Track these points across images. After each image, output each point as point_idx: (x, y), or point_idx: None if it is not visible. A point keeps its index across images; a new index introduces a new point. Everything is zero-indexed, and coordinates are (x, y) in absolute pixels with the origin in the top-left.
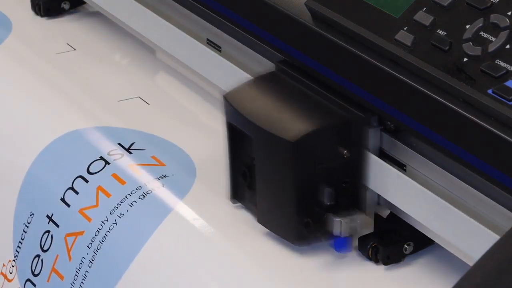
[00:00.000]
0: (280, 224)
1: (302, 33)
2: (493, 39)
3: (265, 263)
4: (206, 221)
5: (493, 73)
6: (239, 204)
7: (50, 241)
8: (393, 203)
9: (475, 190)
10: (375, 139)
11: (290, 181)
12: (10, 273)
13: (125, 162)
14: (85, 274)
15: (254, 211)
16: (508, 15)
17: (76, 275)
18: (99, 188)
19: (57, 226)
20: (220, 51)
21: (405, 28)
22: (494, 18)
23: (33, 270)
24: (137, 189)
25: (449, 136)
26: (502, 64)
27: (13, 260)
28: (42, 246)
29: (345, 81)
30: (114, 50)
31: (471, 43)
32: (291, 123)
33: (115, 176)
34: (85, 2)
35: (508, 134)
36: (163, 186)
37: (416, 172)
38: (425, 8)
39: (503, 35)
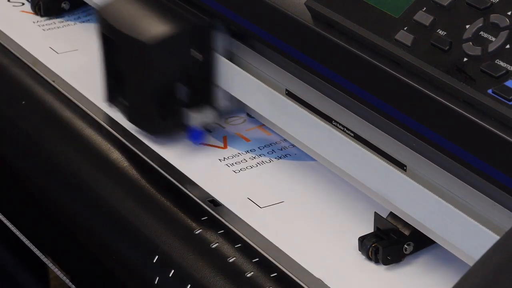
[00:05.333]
0: (144, 119)
1: (302, 33)
2: (493, 39)
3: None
4: None
5: (493, 73)
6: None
7: None
8: (393, 203)
9: (475, 190)
10: (224, 43)
11: (149, 80)
12: None
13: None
14: None
15: (124, 112)
16: (508, 15)
17: None
18: None
19: None
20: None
21: (405, 28)
22: (494, 18)
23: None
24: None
25: (449, 136)
26: (502, 64)
27: None
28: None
29: None
30: None
31: (471, 43)
32: (150, 29)
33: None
34: (85, 2)
35: (508, 134)
36: None
37: (416, 172)
38: (425, 8)
39: (503, 35)
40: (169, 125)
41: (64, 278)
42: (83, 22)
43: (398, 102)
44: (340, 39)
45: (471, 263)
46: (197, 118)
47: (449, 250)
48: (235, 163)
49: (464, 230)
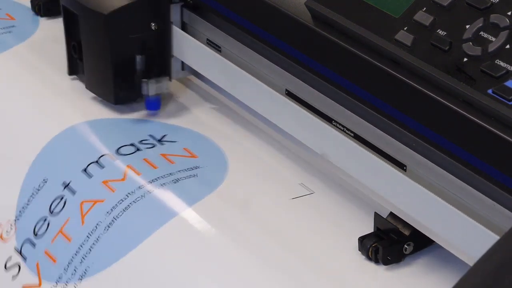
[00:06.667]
0: (101, 88)
1: (302, 33)
2: (493, 39)
3: (275, 266)
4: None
5: (493, 73)
6: (75, 76)
7: (62, 206)
8: (393, 203)
9: (475, 190)
10: (177, 13)
11: (106, 50)
12: (7, 232)
13: (157, 151)
14: (97, 239)
15: (85, 82)
16: (508, 15)
17: (87, 238)
18: (129, 167)
19: (73, 193)
20: (220, 51)
21: (405, 28)
22: (494, 18)
23: (35, 231)
24: (170, 174)
25: (449, 136)
26: (502, 64)
27: (14, 221)
28: (51, 209)
29: None
30: None
31: (471, 43)
32: (106, 0)
33: (146, 160)
34: None
35: (508, 134)
36: (195, 176)
37: (416, 172)
38: (425, 8)
39: (503, 35)
40: (126, 94)
41: None
42: None
43: (398, 102)
44: (340, 39)
45: (471, 263)
46: (153, 87)
47: (449, 250)
48: None
49: (464, 230)
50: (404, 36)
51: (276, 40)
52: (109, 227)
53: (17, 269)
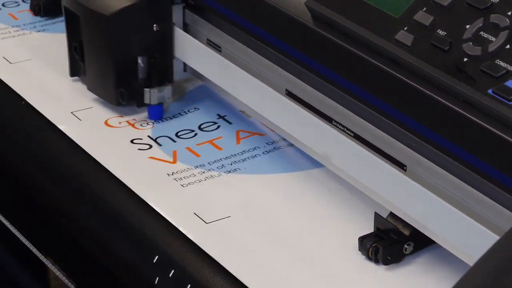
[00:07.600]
0: (103, 89)
1: (302, 33)
2: (493, 39)
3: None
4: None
5: (493, 73)
6: (76, 78)
7: (215, 128)
8: (393, 203)
9: (475, 190)
10: (179, 15)
11: (108, 51)
12: (142, 124)
13: None
14: (252, 156)
15: (87, 84)
16: (508, 15)
17: (241, 153)
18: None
19: (229, 123)
20: (220, 51)
21: (405, 28)
22: (494, 18)
23: (178, 134)
24: None
25: (449, 136)
26: (502, 64)
27: (152, 122)
28: (201, 127)
29: None
30: None
31: (471, 43)
32: (108, 1)
33: None
34: None
35: (508, 134)
36: None
37: (416, 172)
38: (425, 8)
39: (503, 35)
40: (126, 101)
41: (64, 278)
42: (39, 31)
43: (398, 102)
44: (340, 39)
45: (471, 263)
46: (155, 96)
47: (449, 250)
48: (184, 177)
49: (464, 230)
50: (404, 36)
51: (276, 40)
52: (267, 152)
53: (147, 146)
